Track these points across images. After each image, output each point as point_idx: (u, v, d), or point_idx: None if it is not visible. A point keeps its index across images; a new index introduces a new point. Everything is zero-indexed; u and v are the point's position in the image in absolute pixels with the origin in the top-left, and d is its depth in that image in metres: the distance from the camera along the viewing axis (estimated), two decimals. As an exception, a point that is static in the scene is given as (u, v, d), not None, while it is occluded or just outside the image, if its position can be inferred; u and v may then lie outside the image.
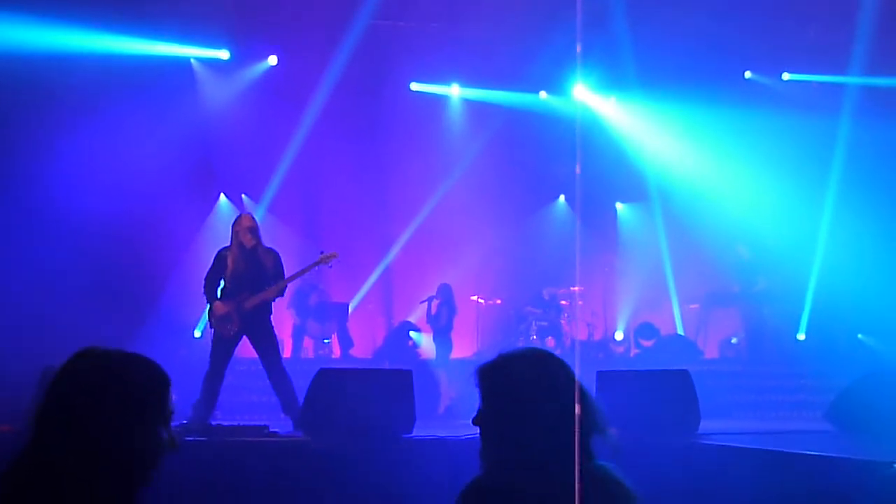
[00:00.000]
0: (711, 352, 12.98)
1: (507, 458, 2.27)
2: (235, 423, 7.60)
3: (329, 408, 6.46)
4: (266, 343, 7.62)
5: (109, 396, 2.06)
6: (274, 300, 7.77)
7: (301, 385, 7.32)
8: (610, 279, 13.89)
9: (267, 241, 7.91)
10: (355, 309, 13.75)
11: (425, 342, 12.65)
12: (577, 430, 2.22)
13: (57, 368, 2.22)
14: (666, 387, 6.54)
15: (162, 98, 12.13)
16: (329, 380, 6.70)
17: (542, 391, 2.28)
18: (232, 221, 7.87)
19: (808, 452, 4.48)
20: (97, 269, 10.82)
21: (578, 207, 14.43)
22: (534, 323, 12.39)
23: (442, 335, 12.54)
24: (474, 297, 13.30)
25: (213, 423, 7.40)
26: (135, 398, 2.08)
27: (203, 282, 7.82)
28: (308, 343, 12.95)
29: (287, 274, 7.75)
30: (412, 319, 13.24)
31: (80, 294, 10.02)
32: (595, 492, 2.19)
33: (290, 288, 9.56)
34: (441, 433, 6.48)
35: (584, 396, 2.30)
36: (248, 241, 7.62)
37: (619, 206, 15.29)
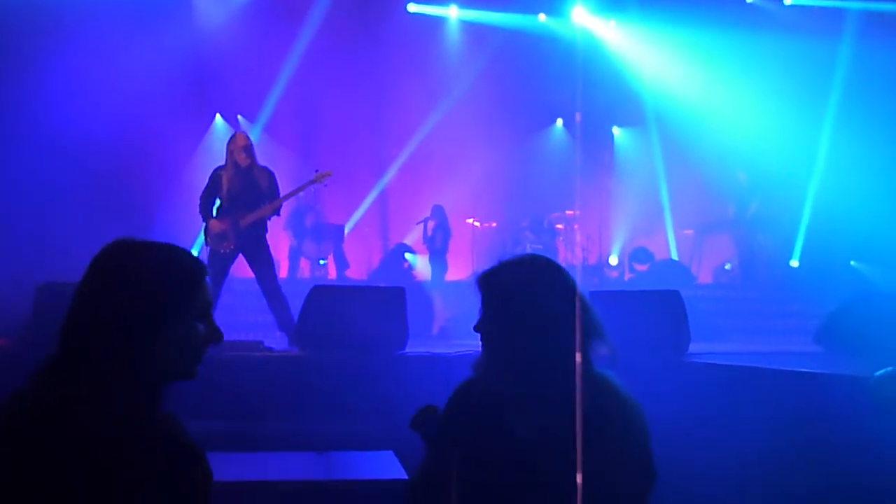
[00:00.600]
0: (705, 277, 13.02)
1: (505, 361, 2.26)
2: (231, 339, 7.65)
3: (323, 324, 6.49)
4: (262, 261, 7.66)
5: (144, 287, 1.94)
6: (269, 218, 7.78)
7: (297, 305, 7.33)
8: (605, 204, 13.89)
9: (262, 161, 7.89)
10: (351, 231, 13.81)
11: (421, 264, 12.71)
12: (577, 333, 2.21)
13: (50, 284, 2.15)
14: (656, 307, 6.55)
15: (156, 18, 11.99)
16: (323, 296, 6.72)
17: (541, 294, 2.27)
18: (227, 141, 7.84)
19: (795, 369, 4.53)
20: (93, 188, 10.80)
21: (579, 132, 14.36)
22: (529, 246, 12.43)
23: (437, 257, 12.59)
24: (470, 220, 13.32)
25: None
26: (170, 288, 1.98)
27: (198, 201, 7.81)
28: (304, 264, 13.03)
29: (282, 193, 7.76)
30: (408, 242, 13.27)
31: (75, 214, 10.01)
32: (595, 398, 2.19)
33: (286, 209, 9.59)
34: (434, 351, 6.51)
35: (583, 303, 2.30)
36: (243, 160, 7.60)
37: (615, 130, 15.20)
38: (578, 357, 2.20)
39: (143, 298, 1.94)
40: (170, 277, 1.99)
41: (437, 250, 12.61)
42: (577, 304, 2.24)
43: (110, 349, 1.88)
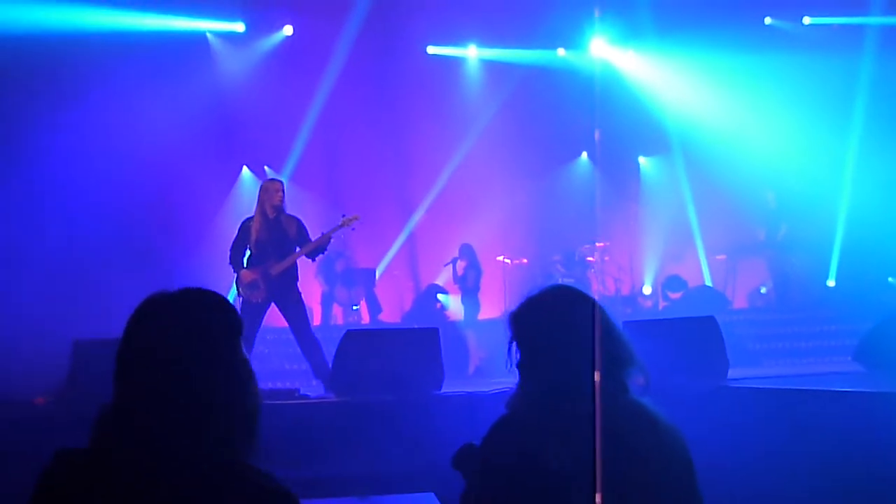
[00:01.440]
0: (740, 302, 12.89)
1: (535, 393, 2.28)
2: (267, 388, 7.70)
3: (358, 368, 6.50)
4: (294, 309, 7.70)
5: (186, 328, 1.95)
6: (313, 258, 7.86)
7: (331, 351, 7.36)
8: (635, 234, 13.83)
9: (290, 210, 7.97)
10: (382, 274, 13.82)
11: (453, 304, 12.70)
12: (596, 356, 2.22)
13: (87, 341, 2.15)
14: (693, 334, 6.50)
15: (179, 73, 12.15)
16: (357, 341, 6.73)
17: (569, 323, 2.30)
18: (259, 188, 7.92)
19: (838, 389, 4.44)
20: (125, 244, 10.90)
21: (598, 160, 14.35)
22: (561, 279, 12.37)
23: (469, 296, 12.58)
24: (500, 258, 13.30)
25: None
26: (213, 324, 1.99)
27: (229, 252, 7.90)
28: (337, 310, 13.04)
29: (312, 238, 7.82)
30: (439, 282, 13.27)
31: (107, 269, 10.10)
32: (634, 427, 2.19)
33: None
34: (470, 390, 6.48)
35: (612, 330, 2.33)
36: (277, 203, 7.70)
37: (641, 160, 15.18)
38: (597, 376, 2.19)
39: (188, 338, 1.94)
40: (209, 314, 2.02)
41: (469, 289, 12.60)
42: (597, 330, 2.25)
43: (167, 396, 1.87)
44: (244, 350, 2.07)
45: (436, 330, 6.89)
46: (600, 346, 2.23)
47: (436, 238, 14.24)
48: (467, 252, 12.85)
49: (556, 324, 2.31)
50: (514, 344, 2.38)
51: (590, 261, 12.98)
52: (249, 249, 7.79)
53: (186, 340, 1.94)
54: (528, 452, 2.21)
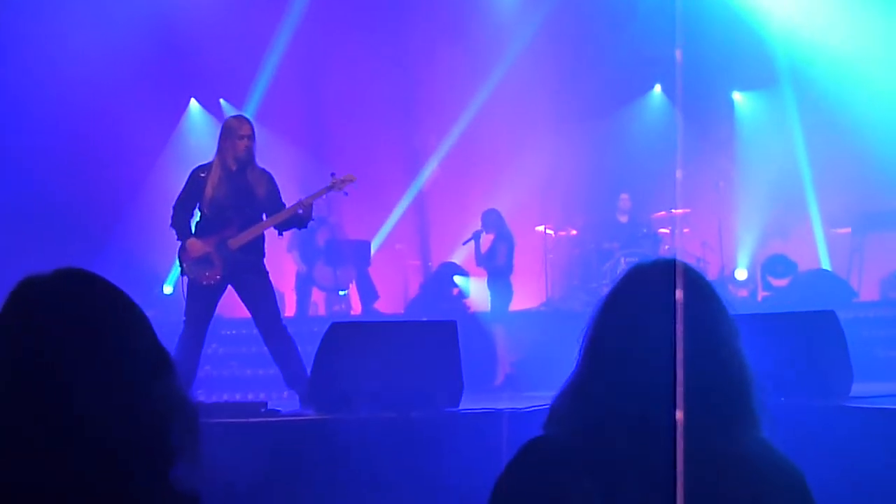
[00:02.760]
0: (869, 292, 12.87)
1: (597, 415, 2.24)
2: (223, 400, 7.88)
3: (346, 375, 6.50)
4: (260, 295, 7.73)
5: (52, 334, 2.07)
6: (283, 231, 7.95)
7: (310, 352, 7.37)
8: (726, 198, 13.85)
9: (261, 161, 7.96)
10: (379, 249, 13.93)
11: (476, 289, 12.70)
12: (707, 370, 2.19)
13: None
14: (804, 335, 6.47)
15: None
16: (345, 338, 6.73)
17: (657, 321, 2.22)
18: (220, 130, 7.93)
19: None
20: (34, 203, 10.97)
21: (678, 96, 14.29)
22: (623, 260, 12.37)
23: (498, 279, 12.53)
24: (540, 228, 13.29)
25: (194, 399, 7.50)
26: (88, 330, 2.10)
27: (171, 212, 7.87)
28: (318, 296, 13.16)
29: (288, 203, 7.84)
30: (456, 260, 13.27)
31: (12, 238, 10.16)
32: (734, 481, 2.18)
33: None
34: (498, 406, 6.49)
35: (733, 333, 2.32)
36: (241, 154, 7.71)
37: (736, 96, 15.11)
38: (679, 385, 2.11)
39: (54, 338, 2.05)
40: (79, 304, 2.12)
41: (498, 270, 12.57)
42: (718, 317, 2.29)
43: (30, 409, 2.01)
44: (151, 344, 2.17)
45: (452, 324, 6.90)
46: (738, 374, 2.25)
47: (452, 202, 14.26)
48: (494, 221, 12.79)
49: (649, 320, 2.24)
50: (587, 342, 2.35)
51: (663, 234, 12.97)
52: (201, 211, 7.80)
53: (52, 340, 2.05)
54: (570, 488, 2.18)
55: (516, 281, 12.75)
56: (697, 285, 2.32)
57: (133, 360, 2.15)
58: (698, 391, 2.14)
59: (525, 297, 12.95)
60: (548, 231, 13.36)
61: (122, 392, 2.09)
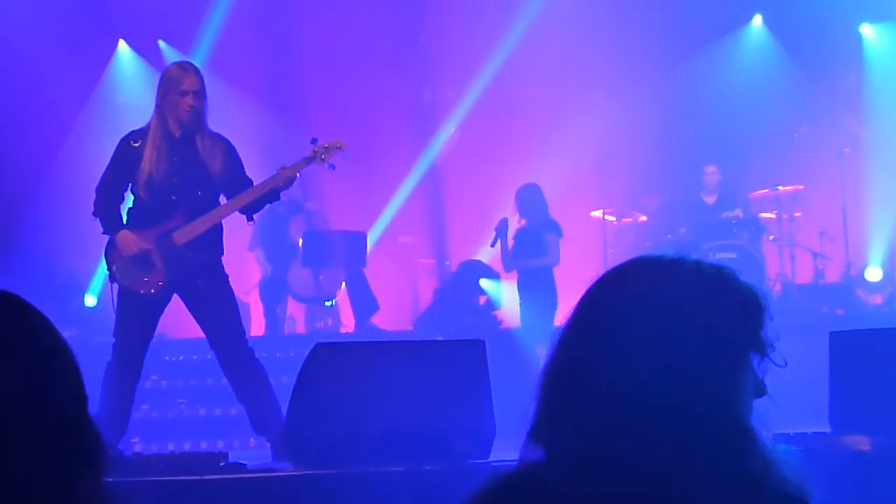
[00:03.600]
0: None
1: (576, 451, 2.35)
2: (168, 451, 7.70)
3: (334, 414, 6.52)
4: (217, 309, 7.79)
5: None
6: (252, 215, 7.98)
7: (285, 383, 7.45)
8: (852, 171, 13.80)
9: (216, 125, 7.96)
10: (378, 244, 14.00)
11: (510, 297, 12.63)
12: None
13: None
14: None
15: None
16: (333, 363, 6.74)
17: (673, 321, 2.40)
18: (158, 82, 7.91)
19: None
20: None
21: (784, 29, 14.24)
22: (711, 255, 12.30)
23: (538, 284, 12.40)
24: (597, 213, 13.23)
25: (128, 451, 7.49)
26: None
27: (94, 194, 7.86)
28: (295, 308, 13.23)
29: (256, 181, 7.87)
30: (483, 258, 13.19)
31: None
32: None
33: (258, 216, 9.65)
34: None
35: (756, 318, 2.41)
36: (186, 115, 7.69)
37: (865, 30, 15.13)
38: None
39: None
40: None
41: (538, 271, 12.45)
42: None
43: None
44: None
45: (479, 344, 6.91)
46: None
47: (476, 179, 14.25)
48: (531, 201, 12.62)
49: (644, 327, 2.39)
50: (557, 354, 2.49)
51: (765, 220, 12.96)
52: (135, 193, 7.79)
53: None
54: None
55: (563, 285, 12.60)
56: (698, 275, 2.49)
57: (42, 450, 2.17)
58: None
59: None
60: (607, 217, 13.29)
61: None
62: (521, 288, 12.41)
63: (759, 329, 2.44)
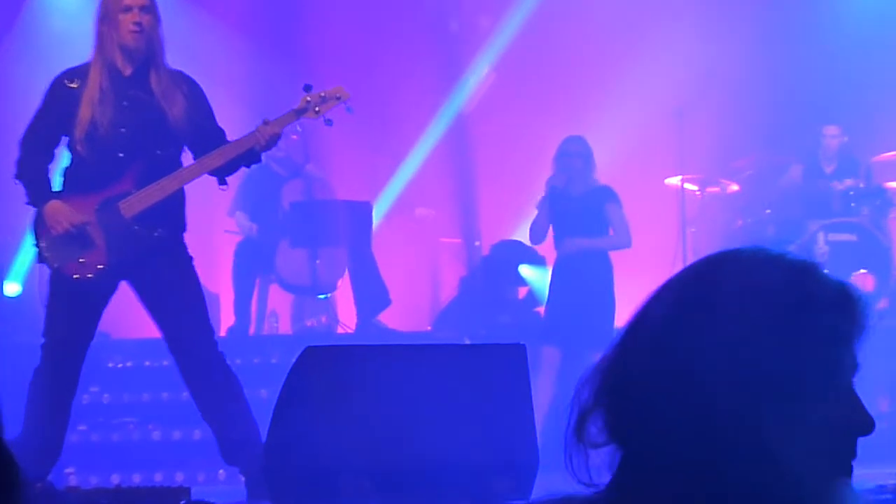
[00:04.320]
0: None
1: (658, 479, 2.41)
2: (113, 484, 7.85)
3: (329, 439, 6.51)
4: (177, 300, 7.83)
5: None
6: (224, 176, 7.96)
7: (266, 398, 7.75)
8: None
9: (175, 61, 7.99)
10: (387, 218, 14.14)
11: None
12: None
13: None
14: None
15: None
16: (328, 372, 6.74)
17: (772, 326, 2.43)
18: (97, 4, 7.88)
19: None
20: None
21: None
22: (822, 237, 12.30)
23: (587, 268, 12.33)
24: (674, 181, 13.21)
25: (61, 484, 7.52)
26: None
27: (17, 149, 7.86)
28: (279, 302, 13.30)
29: (232, 136, 7.91)
30: (522, 238, 13.14)
31: None
32: None
33: (235, 179, 9.65)
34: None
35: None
36: (133, 42, 7.68)
37: None
38: None
39: None
40: None
41: (588, 254, 12.39)
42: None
43: None
44: None
45: (519, 350, 6.91)
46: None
47: (514, 135, 14.23)
48: (580, 156, 12.50)
49: (743, 317, 2.43)
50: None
51: (893, 188, 12.96)
52: (72, 150, 7.80)
53: None
54: None
55: (624, 271, 12.58)
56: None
57: None
58: None
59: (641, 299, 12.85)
60: (687, 186, 13.24)
61: None
62: (564, 277, 12.30)
63: (851, 347, 2.44)
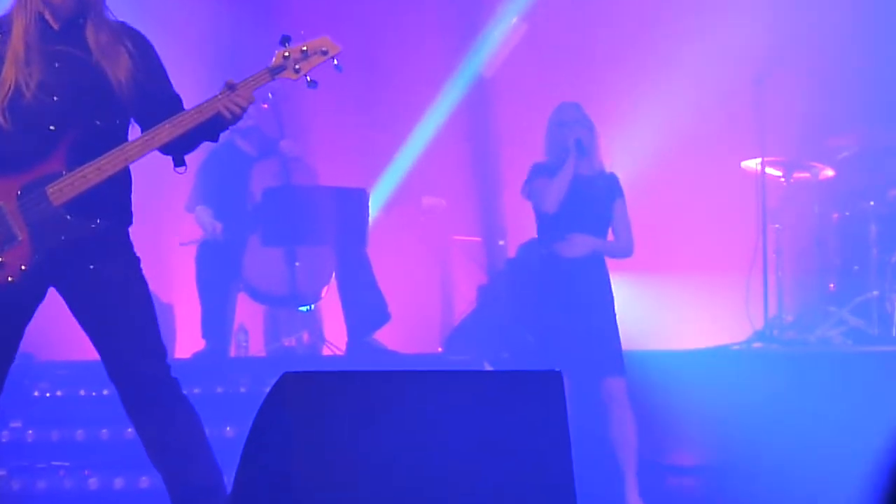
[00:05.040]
0: None
1: None
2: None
3: (310, 489, 6.54)
4: (119, 313, 7.78)
5: None
6: (181, 154, 7.88)
7: (230, 436, 7.94)
8: None
9: (114, 7, 7.94)
10: (386, 208, 14.31)
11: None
12: None
13: None
14: None
15: None
16: (310, 403, 6.73)
17: None
18: None
19: None
20: None
21: None
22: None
23: (585, 278, 12.38)
24: (752, 163, 13.25)
25: None
26: None
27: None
28: (248, 314, 13.39)
29: (189, 102, 7.84)
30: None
31: None
32: None
33: (193, 160, 9.66)
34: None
35: None
36: None
37: None
38: None
39: None
40: None
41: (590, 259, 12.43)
42: None
43: None
44: None
45: (554, 378, 6.90)
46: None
47: (547, 105, 14.31)
48: (581, 126, 12.47)
49: None
50: None
51: None
52: None
53: None
54: None
55: (689, 276, 12.66)
56: None
57: None
58: None
59: (703, 317, 13.02)
60: (769, 171, 13.28)
61: None
62: (564, 287, 12.26)
63: None
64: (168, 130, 7.73)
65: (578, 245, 11.81)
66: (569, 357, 11.51)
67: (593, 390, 11.46)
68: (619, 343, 11.82)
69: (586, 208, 11.76)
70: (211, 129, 7.82)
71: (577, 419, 10.68)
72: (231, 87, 7.70)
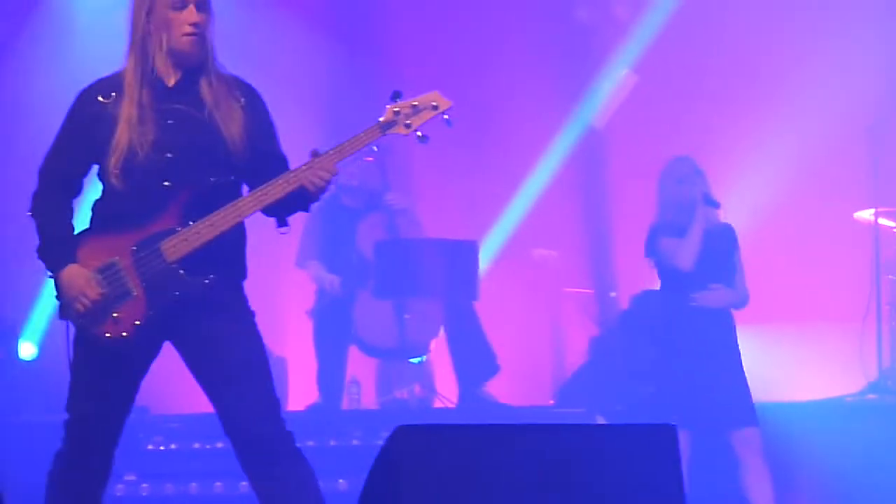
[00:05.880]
0: None
1: None
2: None
3: None
4: (234, 367, 7.77)
5: None
6: (284, 216, 7.87)
7: (343, 490, 8.10)
8: None
9: (228, 59, 7.95)
10: (496, 261, 14.31)
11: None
12: None
13: None
14: None
15: None
16: (424, 456, 6.71)
17: None
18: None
19: None
20: None
21: None
22: None
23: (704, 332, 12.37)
24: (866, 213, 13.12)
25: None
26: None
27: (36, 179, 7.87)
28: (360, 367, 13.34)
29: (294, 161, 7.81)
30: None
31: None
32: None
33: (300, 216, 9.61)
34: None
35: None
36: (185, 45, 7.68)
37: None
38: None
39: None
40: None
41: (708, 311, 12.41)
42: None
43: None
44: None
45: (669, 431, 6.86)
46: None
47: (659, 156, 14.28)
48: (695, 183, 12.45)
49: None
50: None
51: None
52: (104, 180, 7.78)
53: None
54: None
55: (802, 330, 12.62)
56: None
57: None
58: None
59: (816, 368, 13.03)
60: (883, 222, 13.16)
61: None
62: (689, 339, 12.22)
63: None
64: (267, 195, 7.72)
65: (722, 296, 11.88)
66: (696, 408, 11.49)
67: (722, 442, 11.45)
68: (750, 393, 11.76)
69: (713, 260, 11.83)
70: (298, 201, 7.78)
71: (704, 471, 10.70)
72: (316, 156, 7.67)
